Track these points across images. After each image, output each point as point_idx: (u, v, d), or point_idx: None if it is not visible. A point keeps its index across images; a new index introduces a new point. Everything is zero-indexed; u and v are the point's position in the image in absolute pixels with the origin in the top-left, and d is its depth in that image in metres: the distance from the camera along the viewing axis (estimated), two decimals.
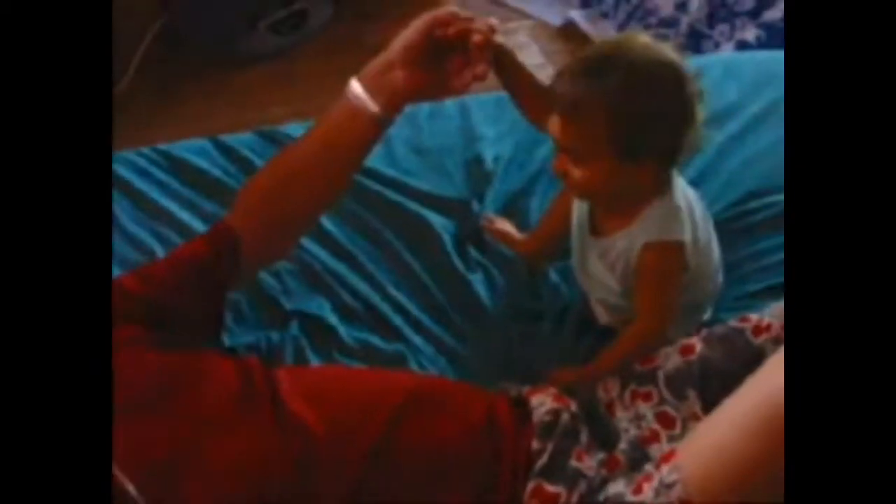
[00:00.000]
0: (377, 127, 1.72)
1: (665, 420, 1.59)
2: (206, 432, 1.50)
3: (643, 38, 1.59)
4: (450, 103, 2.28)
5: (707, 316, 1.81)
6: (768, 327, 1.60)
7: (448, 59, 1.69)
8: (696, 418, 1.57)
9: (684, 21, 3.12)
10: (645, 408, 1.61)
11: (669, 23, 3.15)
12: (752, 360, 1.54)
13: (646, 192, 1.64)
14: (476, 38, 1.64)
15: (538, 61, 3.26)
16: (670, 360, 1.63)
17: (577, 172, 1.59)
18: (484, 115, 2.27)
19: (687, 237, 1.65)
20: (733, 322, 1.64)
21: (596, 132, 1.54)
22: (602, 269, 1.73)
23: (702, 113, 1.58)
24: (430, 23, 1.68)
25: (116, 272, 1.93)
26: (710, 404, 1.54)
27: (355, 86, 1.70)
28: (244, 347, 1.84)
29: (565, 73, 1.59)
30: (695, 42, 3.08)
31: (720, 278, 1.82)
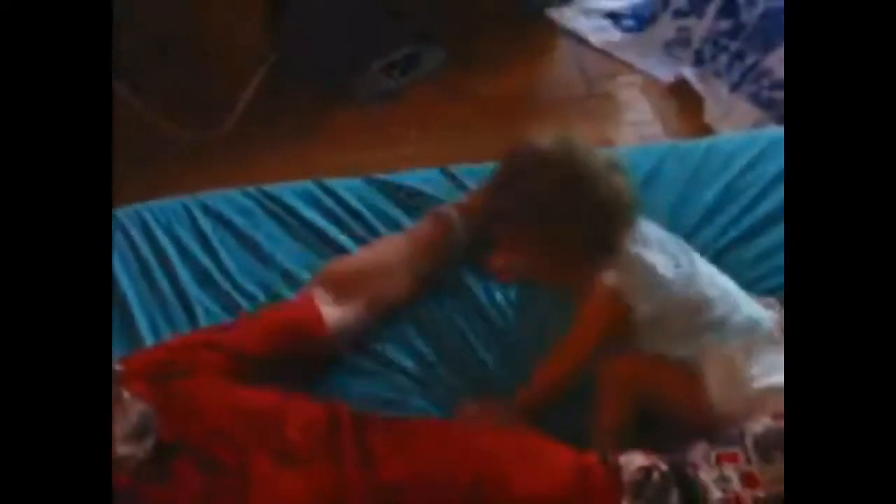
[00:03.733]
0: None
1: (750, 481, 1.57)
2: (284, 464, 1.55)
3: (563, 145, 1.71)
4: None
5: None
6: None
7: None
8: (782, 482, 1.54)
9: None
10: (730, 469, 1.58)
11: (783, 85, 3.09)
12: None
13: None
14: None
15: (647, 118, 3.25)
16: (760, 421, 1.61)
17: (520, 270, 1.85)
18: None
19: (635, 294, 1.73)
20: None
21: (521, 236, 1.74)
22: None
23: (629, 211, 1.73)
24: None
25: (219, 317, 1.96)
26: None
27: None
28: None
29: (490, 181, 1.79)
30: None
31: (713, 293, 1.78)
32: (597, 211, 1.69)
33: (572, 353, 1.79)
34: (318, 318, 1.84)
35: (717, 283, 1.80)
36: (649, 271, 1.73)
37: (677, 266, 1.76)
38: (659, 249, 1.77)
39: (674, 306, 1.75)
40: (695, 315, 1.75)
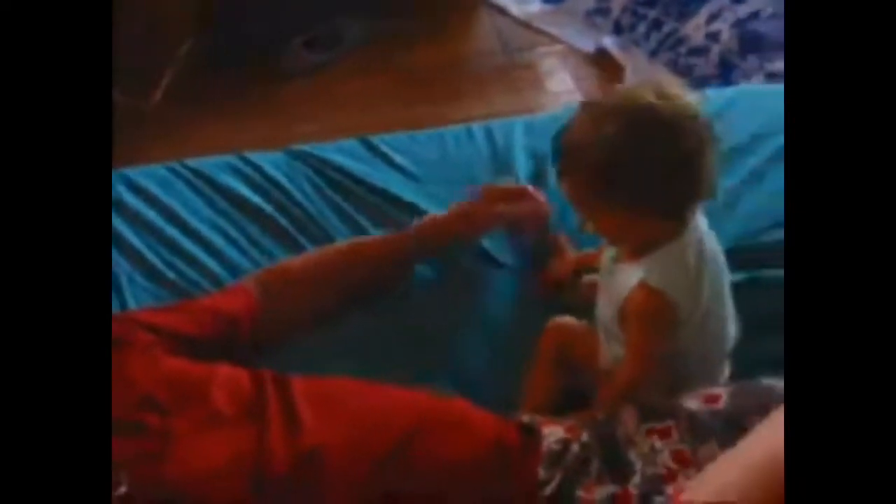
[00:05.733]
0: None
1: (682, 459, 1.57)
2: (208, 427, 1.57)
3: (649, 92, 1.58)
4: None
5: (726, 372, 1.78)
6: None
7: None
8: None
9: (715, 50, 3.13)
10: (661, 444, 1.59)
11: (700, 52, 3.16)
12: None
13: (658, 238, 1.65)
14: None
15: (568, 87, 3.28)
16: (694, 400, 1.62)
17: (589, 226, 1.68)
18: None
19: (680, 293, 1.64)
20: (767, 381, 1.63)
21: (594, 185, 1.59)
22: (607, 293, 1.74)
23: (710, 164, 1.59)
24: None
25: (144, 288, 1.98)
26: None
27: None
28: None
29: (567, 129, 1.63)
30: (725, 72, 3.09)
31: (731, 332, 1.76)
32: (681, 164, 1.57)
33: (634, 361, 1.69)
34: (252, 315, 1.86)
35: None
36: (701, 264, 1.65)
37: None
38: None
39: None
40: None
